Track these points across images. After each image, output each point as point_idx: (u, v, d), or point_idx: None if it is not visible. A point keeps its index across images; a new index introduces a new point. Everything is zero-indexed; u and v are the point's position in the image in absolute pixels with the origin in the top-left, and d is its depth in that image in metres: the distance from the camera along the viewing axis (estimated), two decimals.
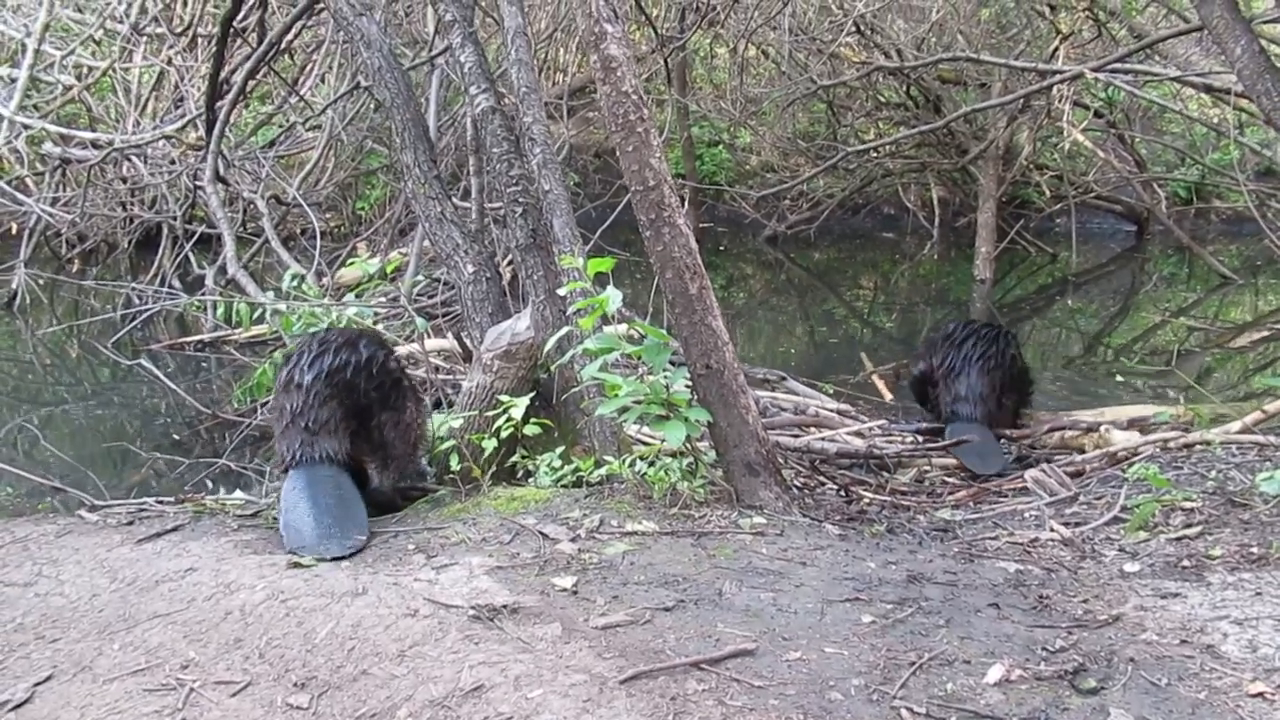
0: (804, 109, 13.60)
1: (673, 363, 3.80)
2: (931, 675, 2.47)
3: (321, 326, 5.27)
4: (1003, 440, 5.86)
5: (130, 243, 11.92)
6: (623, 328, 3.91)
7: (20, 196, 10.17)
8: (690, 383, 3.78)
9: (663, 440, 4.28)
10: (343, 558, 3.33)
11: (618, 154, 3.70)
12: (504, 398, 4.05)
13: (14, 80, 9.86)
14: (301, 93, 10.68)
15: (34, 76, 9.82)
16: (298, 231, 11.15)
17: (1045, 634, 2.70)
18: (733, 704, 2.33)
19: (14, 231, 11.23)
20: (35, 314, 10.49)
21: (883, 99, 12.95)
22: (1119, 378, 7.95)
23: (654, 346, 3.71)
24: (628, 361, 3.90)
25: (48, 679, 2.81)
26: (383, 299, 8.08)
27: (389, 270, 5.89)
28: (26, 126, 9.64)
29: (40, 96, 11.18)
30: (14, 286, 10.27)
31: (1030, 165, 12.26)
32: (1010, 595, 2.97)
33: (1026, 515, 4.06)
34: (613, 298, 3.73)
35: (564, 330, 3.96)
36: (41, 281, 10.63)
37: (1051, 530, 3.70)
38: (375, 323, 6.42)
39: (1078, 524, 3.78)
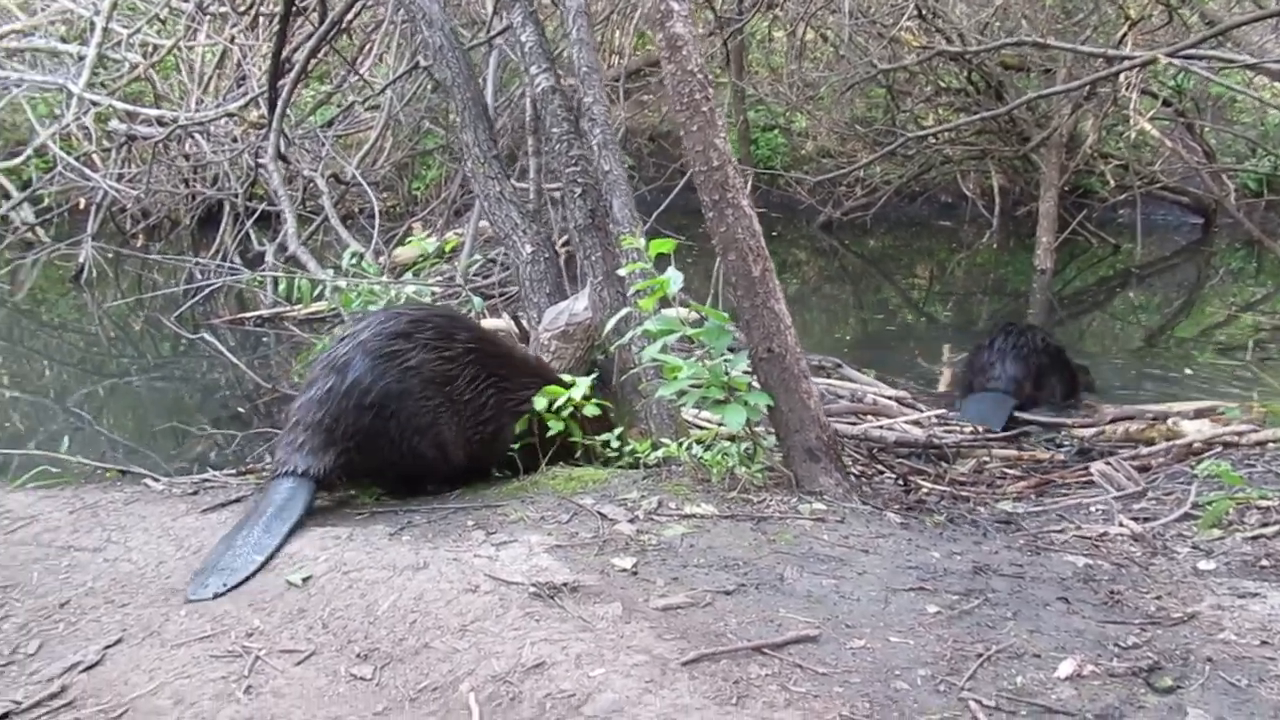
0: (862, 94, 13.43)
1: (732, 347, 3.76)
2: (1000, 668, 2.42)
3: (372, 309, 5.25)
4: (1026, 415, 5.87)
5: (193, 219, 12.13)
6: (682, 310, 3.87)
7: (88, 172, 10.41)
8: (750, 367, 3.74)
9: (720, 424, 4.26)
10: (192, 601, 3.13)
11: (681, 134, 3.66)
12: (565, 377, 4.03)
13: (83, 58, 10.07)
14: (361, 72, 10.75)
15: (102, 54, 10.01)
16: (355, 210, 11.26)
17: (1117, 630, 2.63)
18: (796, 690, 2.30)
19: (82, 206, 11.49)
20: (101, 287, 10.72)
21: (943, 84, 12.73)
22: (1187, 370, 7.74)
23: (714, 329, 3.67)
24: (685, 344, 3.86)
25: (117, 642, 2.86)
26: (439, 278, 8.13)
27: (446, 250, 5.92)
28: (94, 103, 9.83)
29: (107, 74, 11.40)
30: (81, 260, 10.51)
31: (1094, 154, 11.97)
32: (1079, 590, 2.90)
33: (1093, 509, 3.97)
34: (674, 279, 3.70)
35: (624, 311, 3.94)
36: (108, 256, 10.86)
37: (1121, 525, 3.60)
38: (435, 300, 6.44)
39: (1147, 519, 3.69)
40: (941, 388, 7.08)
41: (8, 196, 11.88)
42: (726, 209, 3.60)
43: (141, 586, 3.22)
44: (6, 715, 2.57)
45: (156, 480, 4.49)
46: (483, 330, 4.23)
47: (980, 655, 2.47)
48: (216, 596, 3.12)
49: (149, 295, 10.07)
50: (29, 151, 10.97)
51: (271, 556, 3.29)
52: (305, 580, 3.05)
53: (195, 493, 4.13)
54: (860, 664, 2.43)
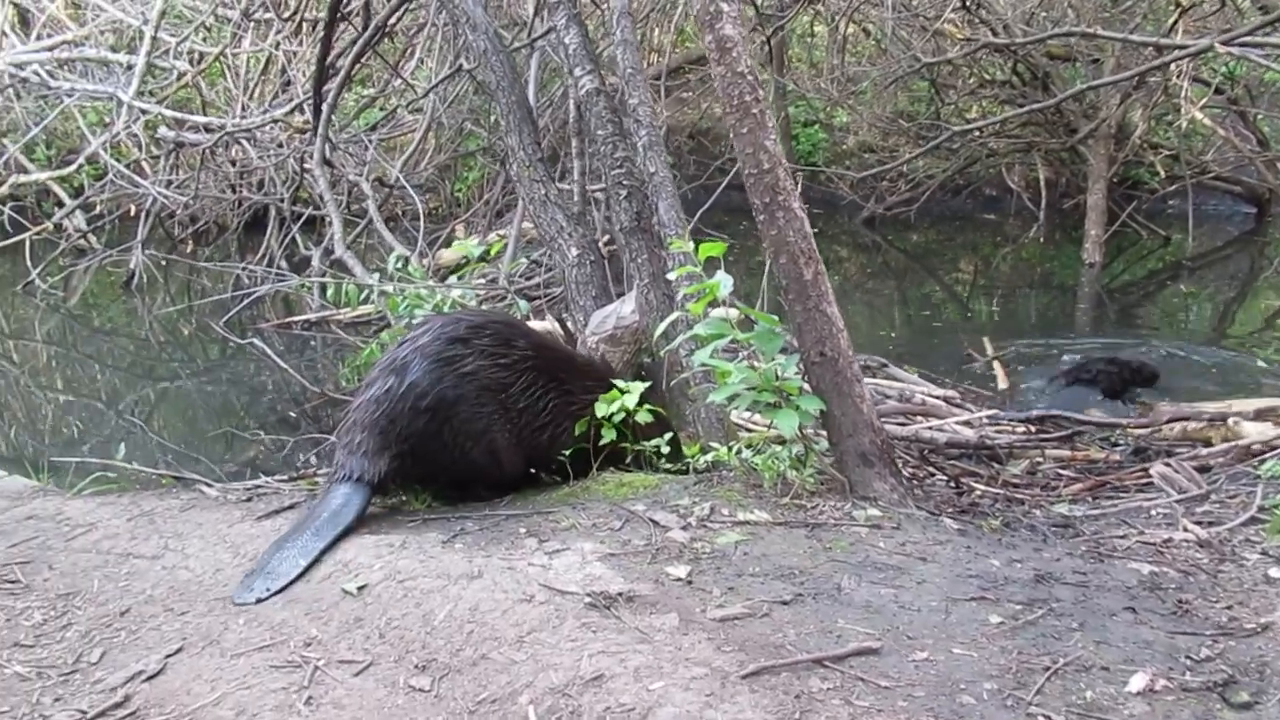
0: (904, 88, 13.26)
1: (783, 350, 3.72)
2: (1068, 681, 2.36)
3: (425, 315, 5.26)
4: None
5: (239, 224, 12.30)
6: (731, 313, 3.83)
7: (138, 179, 10.57)
8: (801, 370, 3.70)
9: (770, 427, 4.22)
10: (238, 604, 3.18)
11: (730, 136, 3.62)
12: (617, 383, 4.00)
13: (132, 66, 10.22)
14: (404, 75, 10.82)
15: (150, 62, 10.16)
16: (398, 213, 11.33)
17: (1188, 641, 2.56)
18: (859, 704, 2.27)
19: (132, 213, 11.67)
20: (151, 292, 10.90)
21: (987, 76, 12.54)
22: (1249, 364, 7.55)
23: (765, 333, 3.63)
24: (732, 348, 3.82)
25: (178, 651, 2.89)
26: (482, 280, 8.15)
27: (493, 253, 5.93)
28: (144, 111, 9.98)
29: (155, 82, 11.57)
30: (132, 266, 10.69)
31: (1144, 144, 11.73)
32: (1146, 599, 2.83)
33: (1154, 513, 3.88)
34: (724, 283, 3.66)
35: (673, 315, 3.90)
36: (158, 262, 11.03)
37: (1185, 530, 3.51)
38: (480, 303, 6.46)
39: (1211, 524, 3.59)
40: (1003, 383, 6.97)
41: (60, 204, 12.11)
42: (777, 212, 3.56)
43: (200, 594, 3.25)
44: None
45: (210, 487, 4.53)
46: (542, 337, 4.21)
47: (1047, 668, 2.41)
48: (259, 601, 3.17)
49: (198, 301, 10.19)
50: (81, 160, 11.18)
51: (315, 562, 3.32)
52: (361, 589, 3.06)
53: (249, 499, 4.16)
54: (924, 677, 2.38)
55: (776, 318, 3.66)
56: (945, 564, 3.03)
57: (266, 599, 3.17)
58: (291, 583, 3.23)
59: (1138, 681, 2.32)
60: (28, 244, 10.77)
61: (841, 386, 3.60)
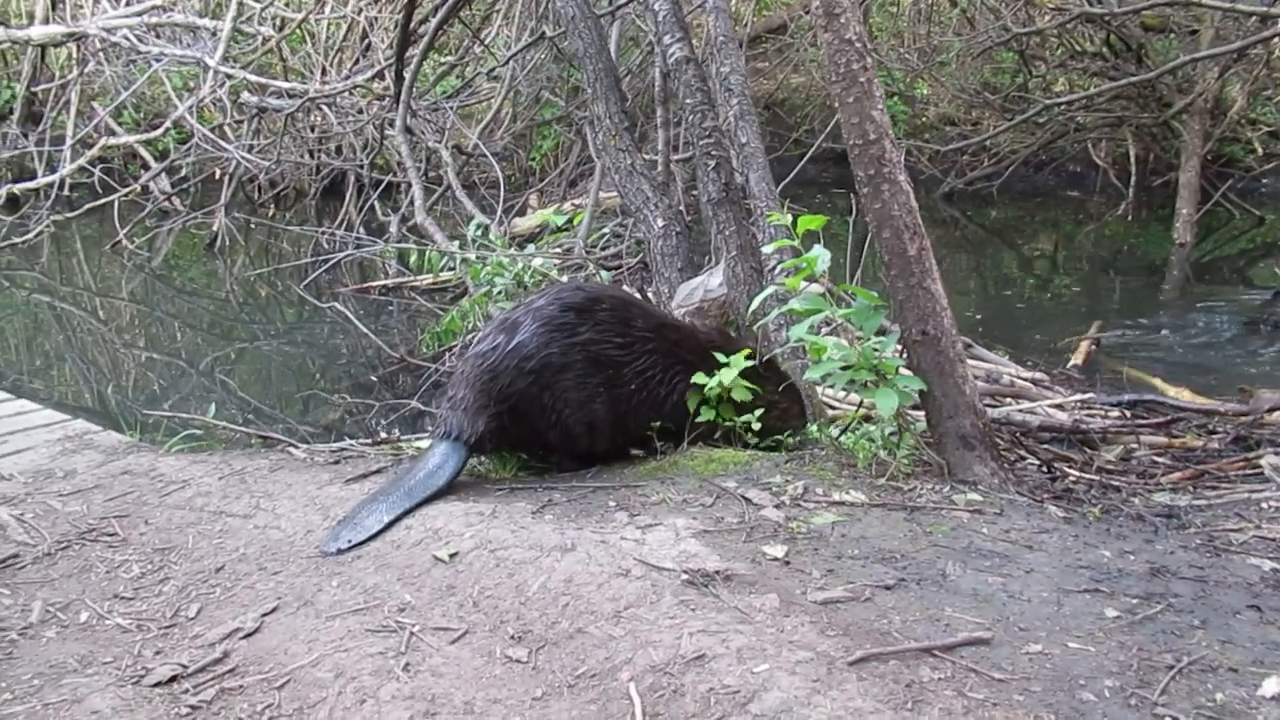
0: (989, 59, 12.88)
1: (882, 328, 3.62)
2: (1194, 682, 2.25)
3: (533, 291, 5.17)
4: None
5: (318, 190, 12.43)
6: (817, 288, 3.73)
7: (222, 144, 10.72)
8: (901, 348, 3.59)
9: (860, 406, 4.12)
10: (325, 553, 3.24)
11: (836, 106, 3.50)
12: (721, 357, 3.92)
13: (218, 32, 10.33)
14: (485, 42, 10.78)
15: (236, 28, 10.26)
16: (473, 181, 11.35)
17: None
18: (973, 696, 2.18)
19: (216, 177, 11.86)
20: (232, 254, 11.08)
21: (1078, 48, 12.10)
22: None
23: (865, 310, 3.54)
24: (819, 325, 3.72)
25: (274, 610, 2.91)
26: (558, 250, 8.11)
27: (575, 222, 5.88)
28: (229, 76, 10.09)
29: (239, 48, 11.71)
30: (215, 229, 10.88)
31: (1241, 120, 11.22)
32: (1271, 597, 2.68)
33: (1265, 505, 3.70)
34: (821, 257, 3.57)
35: (769, 289, 3.81)
36: (240, 225, 11.21)
37: None
38: (560, 274, 6.42)
39: None
40: (1073, 361, 6.74)
41: (146, 167, 12.36)
42: (883, 184, 3.44)
43: (292, 555, 3.27)
44: (175, 678, 2.63)
45: (297, 448, 4.58)
46: (664, 317, 4.13)
47: (1170, 667, 2.30)
48: (340, 552, 3.21)
49: (280, 266, 10.32)
50: (167, 124, 11.38)
51: (399, 519, 3.35)
52: (452, 557, 3.05)
53: (336, 462, 4.19)
54: (1039, 671, 2.28)
55: (876, 294, 3.56)
56: (1053, 553, 2.92)
57: (348, 550, 3.22)
58: (373, 536, 3.27)
59: (1271, 686, 2.20)
60: (116, 205, 11.00)
61: (943, 367, 3.49)
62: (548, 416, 3.82)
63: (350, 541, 3.27)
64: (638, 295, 5.91)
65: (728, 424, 3.93)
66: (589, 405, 3.83)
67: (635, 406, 3.92)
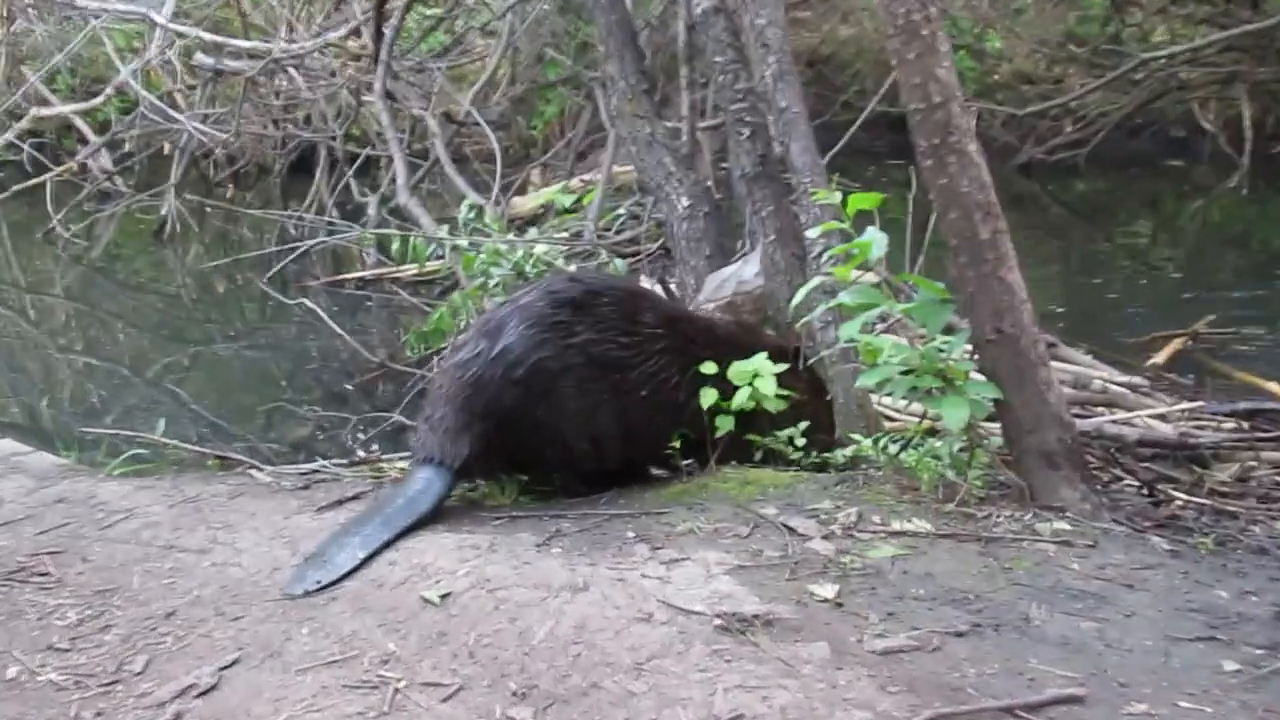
0: (1074, 4, 12.82)
1: (949, 325, 3.60)
2: None
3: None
4: None
5: (284, 166, 12.50)
6: (871, 277, 3.71)
7: (172, 113, 10.80)
8: (972, 350, 3.57)
9: (923, 418, 4.10)
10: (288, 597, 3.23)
11: (894, 63, 3.49)
12: (745, 364, 3.91)
13: None
14: None
15: None
16: (465, 154, 11.38)
17: None
18: None
19: (165, 152, 11.94)
20: (184, 242, 11.16)
21: None
22: None
23: (928, 303, 3.52)
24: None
25: (234, 663, 2.92)
26: (564, 234, 8.11)
27: (585, 201, 5.88)
28: (180, 35, 10.17)
29: (190, 2, 11.80)
30: (163, 213, 10.95)
31: None
32: None
33: None
34: (877, 242, 3.55)
35: (816, 280, 3.79)
36: (193, 207, 11.28)
37: None
38: (568, 262, 6.42)
39: None
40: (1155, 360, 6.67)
41: (84, 142, 12.46)
42: (949, 156, 3.42)
43: (255, 597, 3.28)
44: None
45: (261, 470, 4.59)
46: (676, 308, 4.14)
47: None
48: (308, 594, 3.20)
49: (240, 255, 10.35)
50: (108, 90, 11.47)
51: (375, 554, 3.35)
52: (444, 598, 3.05)
53: (306, 487, 4.21)
54: None
55: (942, 285, 3.54)
56: (1158, 593, 2.90)
57: (317, 591, 3.21)
58: (346, 575, 3.26)
59: None
60: (49, 186, 11.10)
61: (1023, 371, 3.46)
62: (544, 432, 3.81)
63: (319, 582, 3.26)
64: (657, 287, 5.90)
65: (763, 440, 3.92)
66: (592, 416, 3.83)
67: (648, 415, 3.92)
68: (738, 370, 3.89)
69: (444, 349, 6.28)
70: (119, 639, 3.11)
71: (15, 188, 11.27)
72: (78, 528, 3.83)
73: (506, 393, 3.76)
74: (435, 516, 3.62)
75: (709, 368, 3.90)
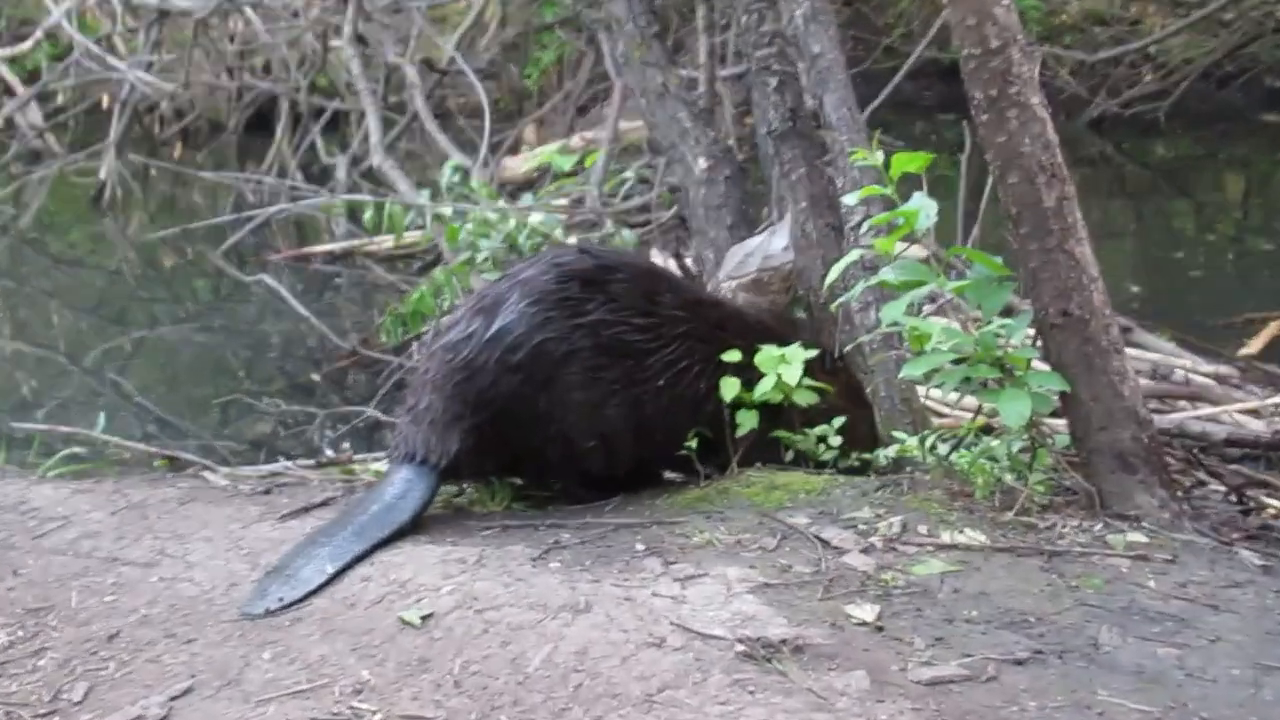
0: None
1: (1009, 307, 3.61)
2: None
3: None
4: None
5: (240, 122, 12.53)
6: (916, 251, 3.72)
7: (111, 60, 10.82)
8: (1035, 335, 3.58)
9: (978, 413, 4.11)
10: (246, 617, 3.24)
11: (945, 1, 3.49)
12: (767, 348, 3.93)
13: None
14: None
15: None
16: (449, 108, 11.40)
17: None
18: None
19: (103, 106, 11.97)
20: (126, 210, 11.20)
21: None
22: None
23: (984, 281, 3.51)
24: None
25: (186, 692, 2.94)
26: (564, 200, 8.12)
27: (588, 163, 5.90)
28: None
29: None
30: (102, 176, 10.97)
31: None
32: None
33: None
34: (925, 211, 3.55)
35: (854, 254, 3.80)
36: (135, 170, 11.31)
37: None
38: (568, 234, 6.44)
39: None
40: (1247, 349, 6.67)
41: (10, 94, 12.50)
42: (1009, 110, 3.42)
43: (209, 616, 3.30)
44: None
45: (215, 473, 4.63)
46: (697, 291, 4.16)
47: None
48: (270, 613, 3.22)
49: (190, 225, 10.37)
50: (38, 34, 11.49)
51: (346, 568, 3.35)
52: (425, 619, 3.07)
53: (268, 491, 4.24)
54: None
55: (1000, 261, 3.54)
56: (1247, 615, 2.92)
57: (280, 611, 3.22)
58: (313, 592, 3.27)
59: None
60: None
61: (1093, 359, 3.47)
62: (545, 427, 3.82)
63: (282, 600, 3.27)
64: (671, 262, 5.91)
65: (795, 440, 3.94)
66: (601, 410, 3.84)
67: (665, 409, 3.92)
68: (765, 357, 3.89)
69: (424, 333, 6.31)
70: (55, 664, 3.14)
71: None
72: (7, 537, 3.85)
73: (503, 380, 3.76)
74: (416, 525, 3.64)
75: (732, 355, 3.90)
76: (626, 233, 6.00)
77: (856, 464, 4.05)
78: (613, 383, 3.83)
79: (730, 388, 3.90)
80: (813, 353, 3.95)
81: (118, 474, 4.72)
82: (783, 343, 3.99)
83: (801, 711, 2.51)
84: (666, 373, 3.88)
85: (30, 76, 12.59)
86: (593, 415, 3.84)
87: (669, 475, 4.20)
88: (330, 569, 3.36)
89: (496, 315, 3.77)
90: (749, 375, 3.93)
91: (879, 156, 3.67)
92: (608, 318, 3.80)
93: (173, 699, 2.90)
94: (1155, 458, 3.53)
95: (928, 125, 12.49)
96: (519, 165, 9.83)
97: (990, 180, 3.68)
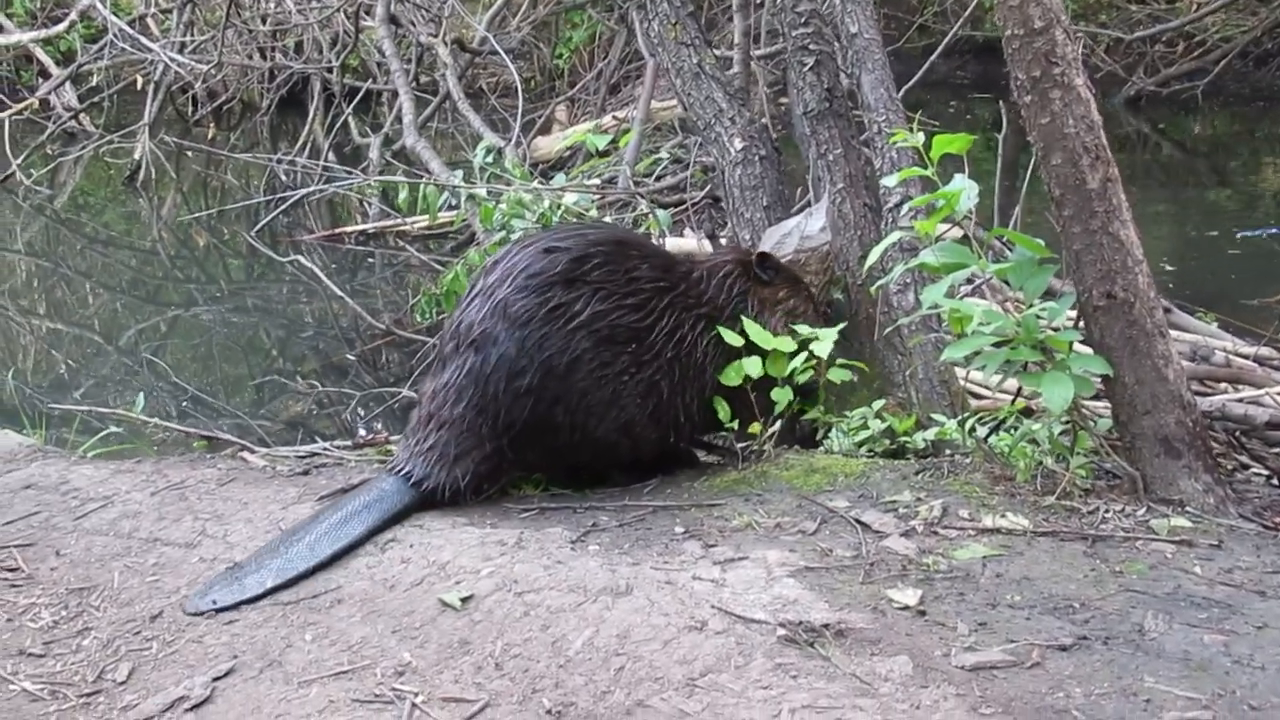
0: None
1: (1050, 289, 3.58)
2: None
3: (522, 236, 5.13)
4: None
5: (272, 102, 12.56)
6: (949, 233, 3.70)
7: (145, 41, 10.85)
8: (1078, 317, 3.54)
9: (1017, 396, 4.08)
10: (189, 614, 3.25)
11: None
12: (799, 327, 3.92)
13: None
14: None
15: None
16: (480, 88, 11.39)
17: None
18: None
19: (137, 86, 12.01)
20: (159, 190, 11.24)
21: None
22: None
23: (1026, 263, 3.49)
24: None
25: (229, 673, 2.96)
26: (595, 181, 8.10)
27: (622, 144, 5.87)
28: None
29: None
30: (136, 156, 11.02)
31: None
32: None
33: None
34: (966, 192, 3.52)
35: (894, 235, 3.77)
36: (168, 150, 11.33)
37: None
38: (601, 214, 6.41)
39: None
40: None
41: (45, 75, 12.55)
42: (1052, 91, 3.37)
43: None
44: None
45: (254, 453, 4.65)
46: (668, 255, 4.15)
47: None
48: (203, 614, 3.21)
49: (224, 206, 10.44)
50: (72, 16, 11.53)
51: (286, 585, 3.32)
52: (465, 601, 3.08)
53: (306, 472, 4.26)
54: None
55: (1042, 243, 3.51)
56: None
57: (216, 612, 3.22)
58: (253, 599, 3.26)
59: None
60: (6, 125, 11.19)
61: (1137, 342, 3.43)
62: (569, 436, 3.82)
63: (215, 603, 3.25)
64: (705, 242, 5.88)
65: (833, 419, 3.93)
66: (618, 402, 3.84)
67: (677, 386, 3.94)
68: (757, 331, 3.92)
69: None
70: (99, 644, 3.16)
71: None
72: (49, 517, 3.89)
73: (516, 408, 3.75)
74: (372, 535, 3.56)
75: (733, 338, 3.93)
76: (660, 212, 5.95)
77: (894, 447, 4.02)
78: (622, 373, 3.82)
79: (754, 366, 3.90)
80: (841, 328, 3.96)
81: (157, 454, 4.75)
82: (739, 271, 4.10)
83: (845, 696, 2.50)
84: (670, 343, 3.88)
85: (65, 58, 12.64)
86: (611, 411, 3.84)
87: (705, 458, 4.20)
88: (271, 582, 3.32)
89: (491, 346, 3.74)
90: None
91: (920, 137, 3.64)
92: (600, 309, 3.78)
93: (215, 679, 2.92)
94: (1200, 442, 3.49)
95: (961, 104, 12.40)
96: (551, 145, 9.81)
97: (1032, 161, 3.64)
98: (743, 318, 3.99)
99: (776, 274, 4.20)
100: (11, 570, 3.57)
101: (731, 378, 3.96)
